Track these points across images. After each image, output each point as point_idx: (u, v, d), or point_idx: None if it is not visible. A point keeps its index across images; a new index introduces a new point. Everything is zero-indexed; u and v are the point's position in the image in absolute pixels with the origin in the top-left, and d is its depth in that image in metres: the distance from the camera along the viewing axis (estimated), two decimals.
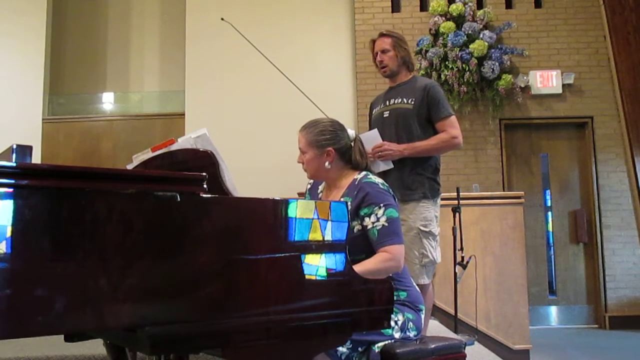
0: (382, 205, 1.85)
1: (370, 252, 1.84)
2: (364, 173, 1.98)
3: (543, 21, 6.03)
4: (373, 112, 3.07)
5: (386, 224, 1.84)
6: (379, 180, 1.95)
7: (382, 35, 2.97)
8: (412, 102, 2.82)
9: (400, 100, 2.87)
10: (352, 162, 2.01)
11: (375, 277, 1.57)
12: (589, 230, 5.84)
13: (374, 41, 3.00)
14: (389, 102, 2.92)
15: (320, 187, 2.15)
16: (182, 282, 1.18)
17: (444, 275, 3.99)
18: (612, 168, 5.84)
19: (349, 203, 1.61)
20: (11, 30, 6.22)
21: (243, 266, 1.26)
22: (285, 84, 4.23)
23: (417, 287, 2.05)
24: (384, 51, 2.93)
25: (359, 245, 1.83)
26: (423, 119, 2.80)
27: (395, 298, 1.84)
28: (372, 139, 2.80)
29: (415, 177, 2.74)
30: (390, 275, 1.90)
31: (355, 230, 1.86)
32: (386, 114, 2.89)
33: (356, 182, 1.94)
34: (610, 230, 5.76)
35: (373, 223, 1.85)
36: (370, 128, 2.98)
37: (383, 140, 2.77)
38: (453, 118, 2.82)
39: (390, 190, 1.95)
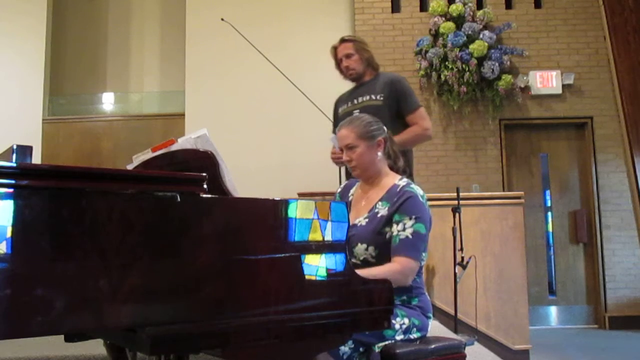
0: (413, 217, 1.83)
1: None
2: (406, 180, 1.96)
3: (543, 21, 6.03)
4: (339, 111, 3.06)
5: (410, 236, 1.81)
6: (420, 191, 1.91)
7: (343, 41, 2.98)
8: (381, 98, 2.84)
9: (368, 97, 2.89)
10: (391, 157, 2.02)
11: None
12: (589, 231, 5.84)
13: (335, 48, 3.00)
14: (357, 100, 2.92)
15: (352, 190, 2.12)
16: (182, 282, 1.18)
17: (444, 275, 3.99)
18: (612, 168, 5.84)
19: (347, 204, 1.61)
20: (11, 30, 6.23)
21: (243, 266, 1.26)
22: (285, 84, 4.22)
23: (427, 295, 2.03)
24: (348, 56, 2.94)
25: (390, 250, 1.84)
26: (393, 113, 2.82)
27: (407, 303, 1.87)
28: None
29: None
30: (410, 283, 1.88)
31: (387, 235, 1.85)
32: (356, 112, 2.89)
33: (398, 189, 1.90)
34: (610, 231, 5.75)
35: (398, 231, 1.83)
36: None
37: None
38: (422, 109, 2.86)
39: (427, 204, 1.92)
